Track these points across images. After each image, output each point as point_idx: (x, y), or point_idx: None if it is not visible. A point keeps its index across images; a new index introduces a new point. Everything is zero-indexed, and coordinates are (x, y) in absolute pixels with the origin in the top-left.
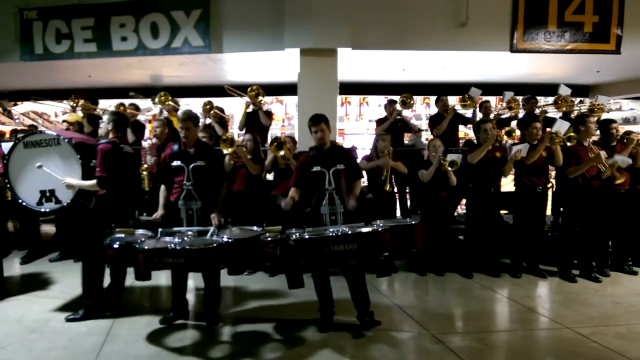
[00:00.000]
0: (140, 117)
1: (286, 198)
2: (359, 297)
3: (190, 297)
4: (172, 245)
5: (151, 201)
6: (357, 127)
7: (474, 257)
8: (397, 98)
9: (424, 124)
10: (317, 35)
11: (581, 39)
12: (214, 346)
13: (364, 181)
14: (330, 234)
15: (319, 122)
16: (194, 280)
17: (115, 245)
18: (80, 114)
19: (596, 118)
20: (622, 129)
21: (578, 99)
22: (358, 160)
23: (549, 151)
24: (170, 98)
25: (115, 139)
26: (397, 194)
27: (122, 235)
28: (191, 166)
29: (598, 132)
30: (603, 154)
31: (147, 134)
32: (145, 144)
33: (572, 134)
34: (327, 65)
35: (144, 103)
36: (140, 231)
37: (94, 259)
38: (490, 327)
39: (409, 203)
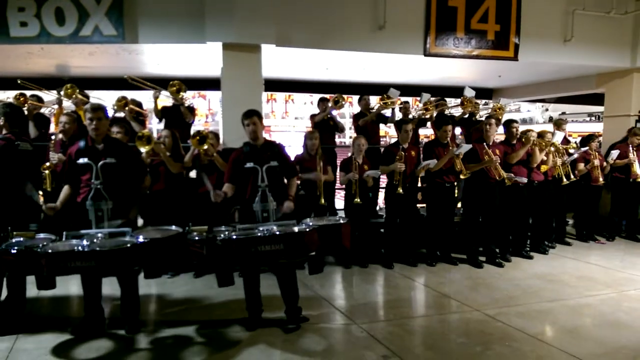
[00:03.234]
0: (44, 111)
1: (219, 190)
2: (289, 294)
3: (106, 303)
4: (80, 247)
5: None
6: (283, 125)
7: (394, 249)
8: (328, 96)
9: (347, 122)
10: (241, 29)
11: (485, 46)
12: (134, 354)
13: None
14: (258, 234)
15: (251, 115)
16: (110, 286)
17: (13, 251)
18: None
19: (499, 119)
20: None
21: (483, 101)
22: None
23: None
24: (77, 90)
25: (9, 135)
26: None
27: (21, 239)
28: (100, 164)
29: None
30: (496, 158)
31: (52, 128)
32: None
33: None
34: (252, 61)
35: (49, 95)
36: (41, 235)
37: None
38: (409, 313)
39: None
